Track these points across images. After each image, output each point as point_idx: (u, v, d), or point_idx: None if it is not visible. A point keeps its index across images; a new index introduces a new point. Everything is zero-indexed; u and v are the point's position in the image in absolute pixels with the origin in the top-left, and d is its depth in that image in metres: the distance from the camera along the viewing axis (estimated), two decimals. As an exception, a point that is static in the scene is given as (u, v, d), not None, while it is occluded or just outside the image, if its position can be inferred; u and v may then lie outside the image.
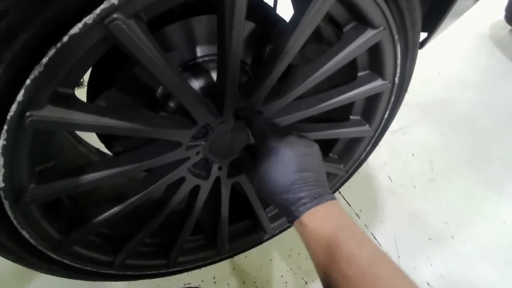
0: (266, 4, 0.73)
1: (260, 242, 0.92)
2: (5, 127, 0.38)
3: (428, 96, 1.80)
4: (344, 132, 0.74)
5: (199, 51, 0.65)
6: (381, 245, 1.42)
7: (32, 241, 0.50)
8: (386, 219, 1.48)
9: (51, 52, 0.34)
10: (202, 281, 1.25)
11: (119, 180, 0.63)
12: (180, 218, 0.72)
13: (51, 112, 0.39)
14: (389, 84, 0.65)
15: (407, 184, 1.56)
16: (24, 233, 0.49)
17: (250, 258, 1.31)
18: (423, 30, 0.75)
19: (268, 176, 0.54)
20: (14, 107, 0.37)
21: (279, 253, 1.30)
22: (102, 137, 0.66)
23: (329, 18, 0.60)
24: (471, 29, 2.15)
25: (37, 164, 0.46)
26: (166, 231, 0.74)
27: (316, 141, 0.79)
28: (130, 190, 0.60)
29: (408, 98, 1.82)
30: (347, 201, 1.52)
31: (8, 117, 0.38)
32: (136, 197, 0.60)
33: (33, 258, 0.53)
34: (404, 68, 0.64)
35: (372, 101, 0.70)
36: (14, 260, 0.53)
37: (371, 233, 1.44)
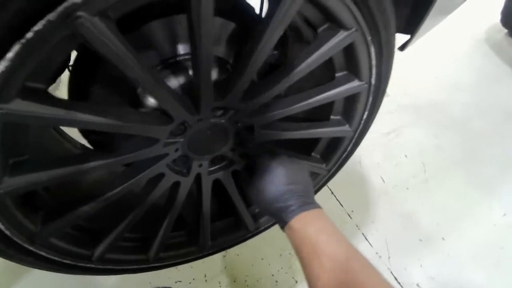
0: (247, 4, 0.74)
1: (243, 239, 0.93)
2: (-24, 120, 0.40)
3: (422, 98, 1.81)
4: (325, 131, 0.75)
5: (180, 49, 0.66)
6: (372, 246, 1.42)
7: (7, 232, 0.52)
8: (378, 220, 1.49)
9: (16, 47, 0.36)
10: (194, 279, 1.27)
11: (97, 174, 0.65)
12: (161, 214, 0.73)
13: (20, 106, 0.40)
14: (366, 85, 0.66)
15: (399, 185, 1.56)
16: (-1, 224, 0.50)
17: (241, 256, 1.32)
18: (405, 32, 0.76)
19: (263, 189, 0.64)
20: (-17, 100, 0.38)
21: (271, 252, 1.31)
22: (83, 132, 0.68)
23: (305, 19, 0.61)
24: (467, 32, 2.15)
25: (10, 156, 0.48)
26: (147, 226, 0.75)
27: (300, 140, 0.81)
28: (109, 184, 0.62)
29: (402, 100, 1.84)
30: (339, 201, 1.53)
31: (-22, 110, 0.39)
32: (114, 192, 0.61)
33: (9, 249, 0.54)
34: (380, 69, 0.64)
35: (351, 101, 0.71)
36: (-8, 252, 0.54)
37: (363, 233, 1.45)
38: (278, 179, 0.64)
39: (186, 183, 0.71)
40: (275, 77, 0.61)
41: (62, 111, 0.44)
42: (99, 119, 0.48)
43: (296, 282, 1.29)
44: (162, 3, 0.58)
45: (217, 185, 0.77)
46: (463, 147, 1.66)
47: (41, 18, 0.35)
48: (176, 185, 0.71)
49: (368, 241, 1.43)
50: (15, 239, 0.54)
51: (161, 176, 0.67)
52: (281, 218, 0.62)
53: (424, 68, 1.98)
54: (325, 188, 1.60)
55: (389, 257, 1.39)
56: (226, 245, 0.90)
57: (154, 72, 0.48)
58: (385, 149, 1.68)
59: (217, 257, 1.32)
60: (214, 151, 0.70)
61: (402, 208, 1.52)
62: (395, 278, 1.34)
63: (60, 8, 0.35)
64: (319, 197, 1.50)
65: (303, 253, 0.59)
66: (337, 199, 1.54)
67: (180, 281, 1.26)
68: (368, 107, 0.71)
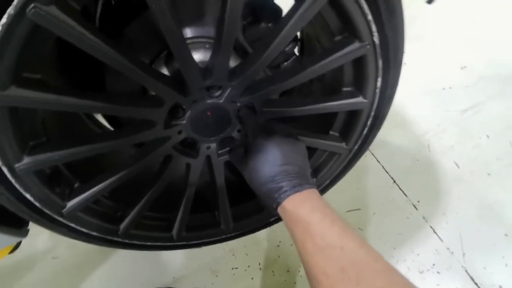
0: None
1: (268, 223, 0.92)
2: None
3: (509, 64, 1.50)
4: (336, 105, 0.70)
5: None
6: (442, 240, 1.25)
7: (37, 204, 0.62)
8: (450, 211, 1.30)
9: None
10: (249, 266, 1.30)
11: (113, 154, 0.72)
12: (180, 195, 0.78)
13: (17, 92, 0.48)
14: (368, 46, 0.59)
15: (478, 171, 1.34)
16: (28, 196, 0.60)
17: (295, 247, 1.30)
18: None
19: (256, 169, 0.64)
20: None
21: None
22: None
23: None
24: None
25: (29, 139, 0.57)
26: (169, 206, 0.80)
27: (315, 118, 0.77)
28: (123, 163, 0.68)
29: (483, 70, 1.55)
30: (402, 191, 1.38)
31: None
32: (126, 171, 0.67)
33: (43, 219, 0.65)
34: (382, 26, 0.57)
35: (359, 67, 0.65)
36: (30, 220, 0.66)
37: (431, 226, 1.28)
38: (272, 159, 0.63)
39: (197, 164, 0.74)
40: (255, 53, 0.60)
41: (54, 97, 0.51)
42: (89, 102, 0.54)
43: (351, 275, 1.21)
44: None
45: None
46: None
47: (3, 12, 0.41)
48: (188, 167, 0.74)
49: (438, 235, 1.26)
50: (46, 211, 0.64)
51: (169, 158, 0.71)
52: (273, 199, 0.62)
53: (509, 22, 1.64)
54: (385, 177, 1.47)
55: (464, 254, 1.20)
56: (251, 228, 0.90)
57: (129, 55, 0.51)
58: (460, 129, 1.45)
59: (271, 246, 1.33)
60: (218, 133, 0.71)
61: (481, 197, 1.30)
62: (472, 278, 1.16)
63: (15, 1, 0.41)
64: (378, 187, 1.37)
65: (296, 233, 0.59)
66: (400, 189, 1.40)
67: (237, 268, 1.30)
68: (381, 72, 0.63)
